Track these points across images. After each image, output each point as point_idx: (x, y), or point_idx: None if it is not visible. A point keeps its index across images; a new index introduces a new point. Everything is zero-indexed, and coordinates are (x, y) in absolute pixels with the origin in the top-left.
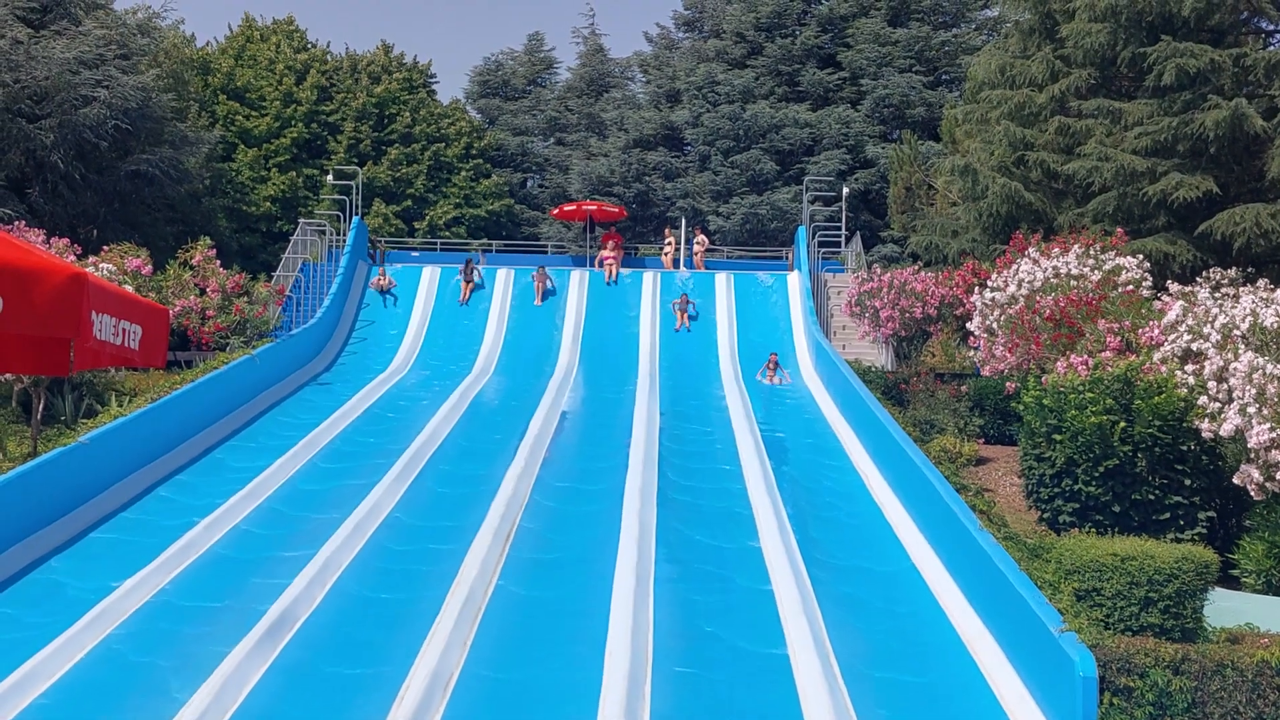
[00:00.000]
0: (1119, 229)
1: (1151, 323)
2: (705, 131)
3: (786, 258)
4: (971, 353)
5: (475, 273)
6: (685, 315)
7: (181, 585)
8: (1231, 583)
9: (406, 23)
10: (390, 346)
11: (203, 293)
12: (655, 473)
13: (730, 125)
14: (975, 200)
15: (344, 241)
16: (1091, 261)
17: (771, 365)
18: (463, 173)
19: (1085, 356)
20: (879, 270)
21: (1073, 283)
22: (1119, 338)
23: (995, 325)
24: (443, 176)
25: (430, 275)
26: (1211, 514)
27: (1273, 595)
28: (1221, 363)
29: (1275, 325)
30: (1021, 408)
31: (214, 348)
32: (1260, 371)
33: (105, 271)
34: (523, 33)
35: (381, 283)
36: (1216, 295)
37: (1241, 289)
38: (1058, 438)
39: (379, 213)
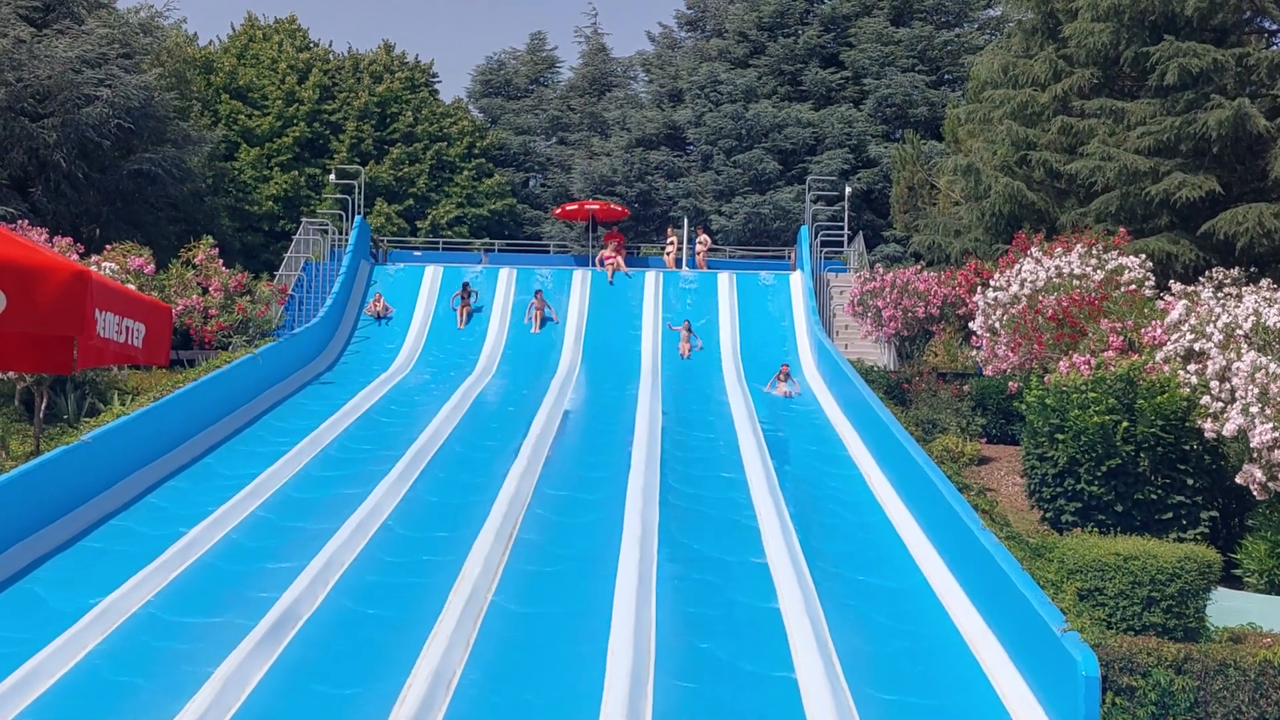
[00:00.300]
0: (1121, 228)
1: (1154, 322)
2: (708, 131)
3: (789, 257)
4: (974, 352)
5: (473, 296)
6: (688, 343)
7: (190, 581)
8: (1234, 582)
9: (408, 22)
10: (393, 345)
11: (205, 292)
12: (657, 473)
13: (733, 125)
14: (978, 200)
15: (346, 241)
16: (1094, 261)
17: (782, 376)
18: (465, 172)
19: (1088, 356)
20: (881, 270)
21: (1075, 282)
22: (1122, 337)
23: (998, 325)
24: (445, 176)
25: (433, 274)
26: (1214, 513)
27: (1275, 595)
28: (1224, 362)
29: (1278, 325)
30: (1024, 407)
31: (216, 347)
32: (1263, 371)
33: (108, 270)
34: (525, 32)
35: (376, 308)
36: (1219, 295)
37: (1244, 289)
38: (1060, 437)
39: (381, 212)
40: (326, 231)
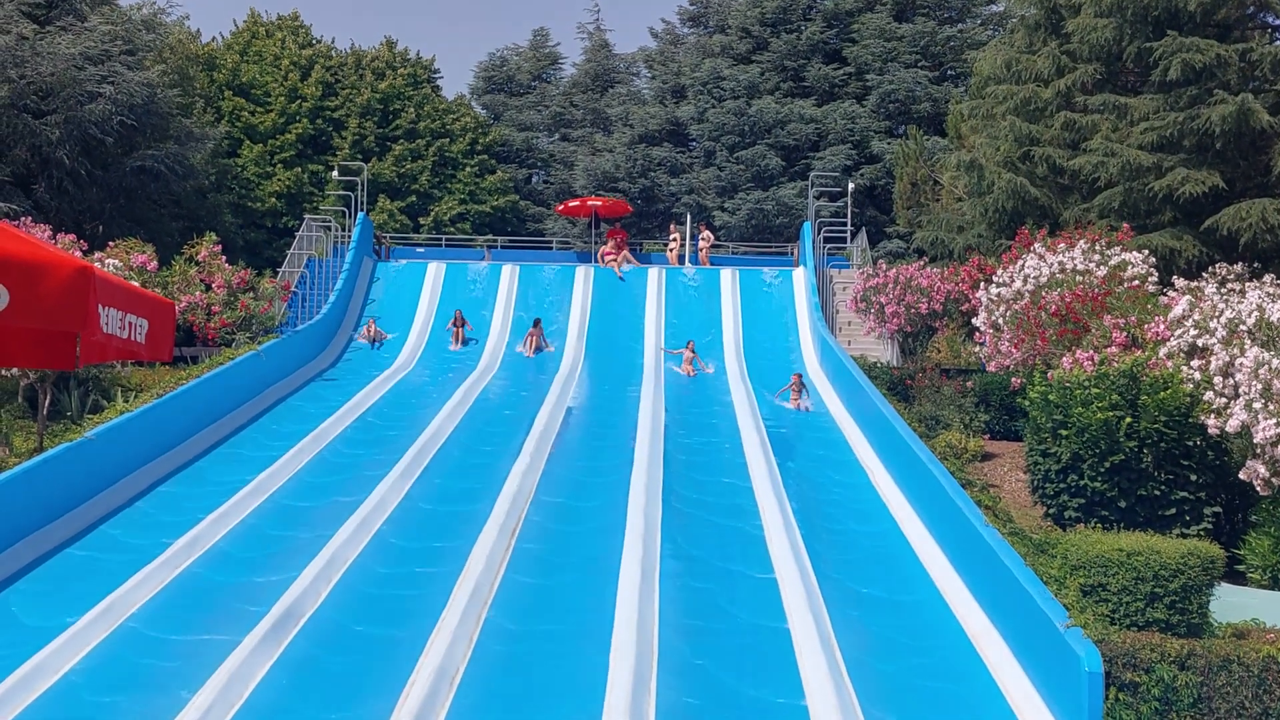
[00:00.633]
0: (1125, 224)
1: (1157, 318)
2: (710, 127)
3: (792, 254)
4: (977, 348)
5: (466, 326)
6: (691, 365)
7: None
8: (1237, 578)
9: (411, 18)
10: (396, 342)
11: (208, 288)
12: (660, 472)
13: (735, 121)
14: (981, 195)
15: (349, 237)
16: (1097, 257)
17: (795, 386)
18: (467, 169)
19: (1091, 352)
20: (884, 266)
21: (1078, 278)
22: (1125, 333)
23: (1001, 321)
24: (447, 172)
25: (435, 271)
26: (1217, 509)
27: (1279, 591)
28: (1227, 358)
29: None
30: (1027, 403)
31: (220, 343)
32: (1266, 367)
33: (111, 267)
34: (528, 28)
35: (370, 334)
36: (1223, 290)
37: (1248, 284)
38: (1063, 433)
39: (384, 208)
40: (329, 228)
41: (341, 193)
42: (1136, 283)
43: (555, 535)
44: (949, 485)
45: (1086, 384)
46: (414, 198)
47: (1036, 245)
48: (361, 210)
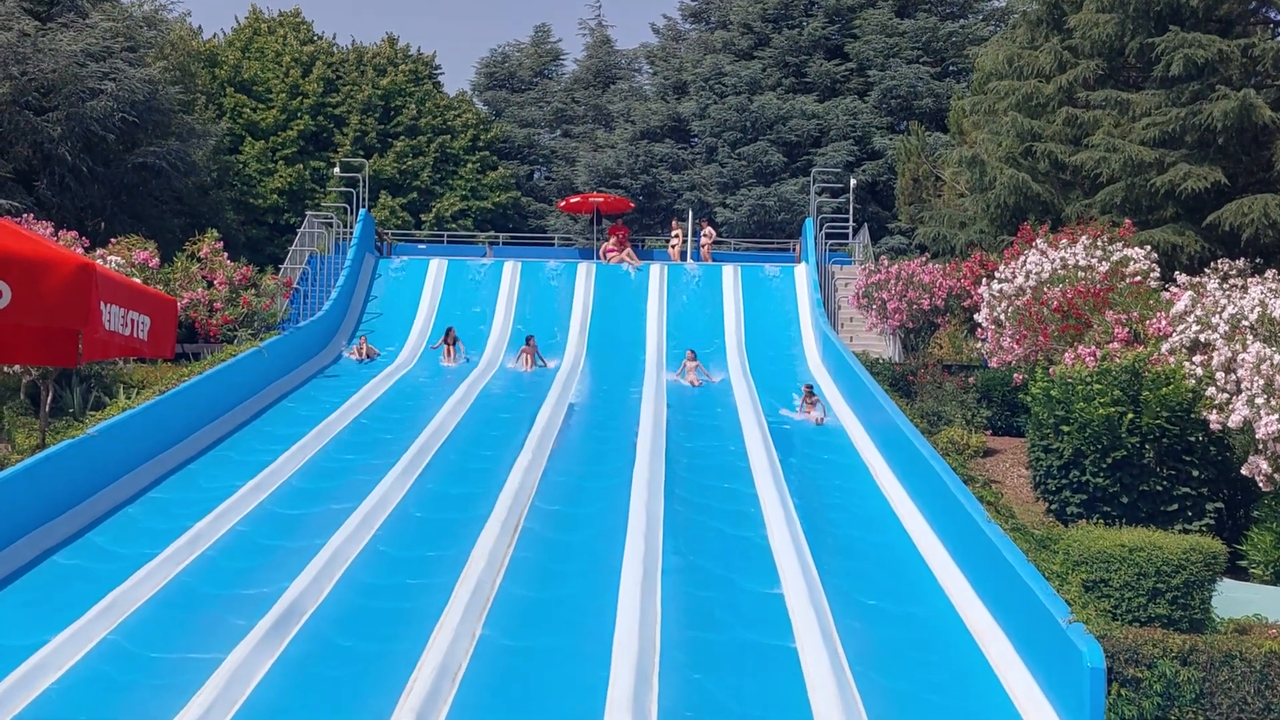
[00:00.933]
0: (1127, 220)
1: (1159, 314)
2: (712, 123)
3: (794, 250)
4: (979, 344)
5: (458, 345)
6: (696, 375)
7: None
8: (1239, 574)
9: (412, 15)
10: (398, 339)
11: (210, 285)
12: (663, 467)
13: (737, 117)
14: (983, 191)
15: (351, 234)
16: (1099, 252)
17: (808, 398)
18: (469, 165)
19: (1093, 348)
20: (886, 262)
21: (1080, 274)
22: (1127, 329)
23: (1003, 317)
24: (449, 169)
25: (437, 267)
26: (1220, 505)
27: None
28: (1230, 353)
29: None
30: (1029, 399)
31: (222, 340)
32: (1268, 362)
33: (113, 264)
34: (529, 24)
35: (362, 352)
36: (1225, 286)
37: (1250, 280)
38: (1065, 429)
39: (385, 205)
40: (331, 225)
41: (343, 189)
42: (1139, 278)
43: (555, 540)
44: (951, 482)
45: (1088, 380)
46: (415, 194)
47: (1038, 241)
48: (363, 207)
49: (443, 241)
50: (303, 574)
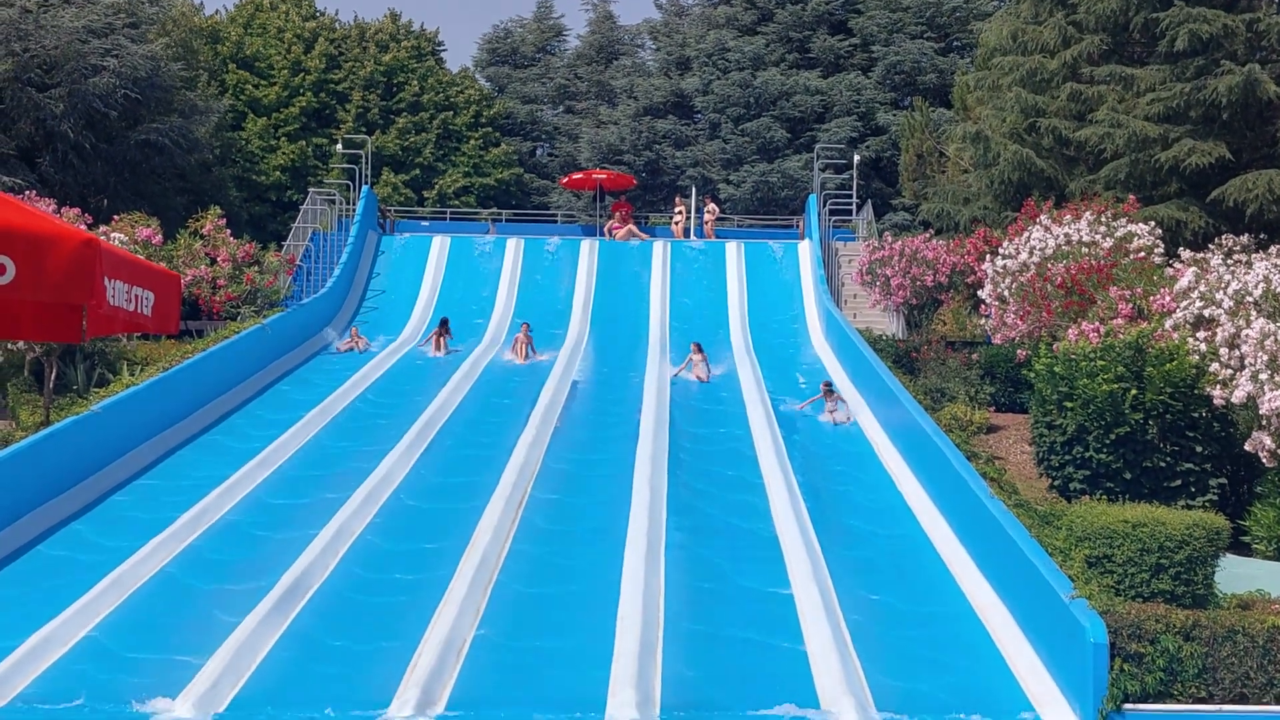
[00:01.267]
0: (1131, 196)
1: (1163, 289)
2: (715, 99)
3: (797, 226)
4: (983, 320)
5: (449, 337)
6: (701, 367)
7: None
8: (1243, 549)
9: None
10: (401, 315)
11: (213, 262)
12: (666, 443)
13: (740, 93)
14: (987, 167)
15: (353, 211)
16: (1103, 228)
17: (831, 403)
18: (471, 141)
19: (1097, 324)
20: (890, 238)
21: (1084, 250)
22: (1131, 305)
23: (1006, 293)
24: (451, 145)
25: (440, 244)
26: (1223, 481)
27: None
28: (1234, 329)
29: None
30: (1033, 375)
31: (225, 317)
32: (1272, 338)
33: (116, 241)
34: (531, 0)
35: (355, 344)
36: (1229, 262)
37: (1254, 255)
38: (1069, 405)
39: (388, 182)
40: (334, 202)
41: (345, 166)
42: (1142, 254)
43: (569, 480)
44: (954, 458)
45: (1092, 356)
46: (418, 171)
47: (1042, 217)
48: (366, 184)
49: (445, 218)
50: (319, 535)
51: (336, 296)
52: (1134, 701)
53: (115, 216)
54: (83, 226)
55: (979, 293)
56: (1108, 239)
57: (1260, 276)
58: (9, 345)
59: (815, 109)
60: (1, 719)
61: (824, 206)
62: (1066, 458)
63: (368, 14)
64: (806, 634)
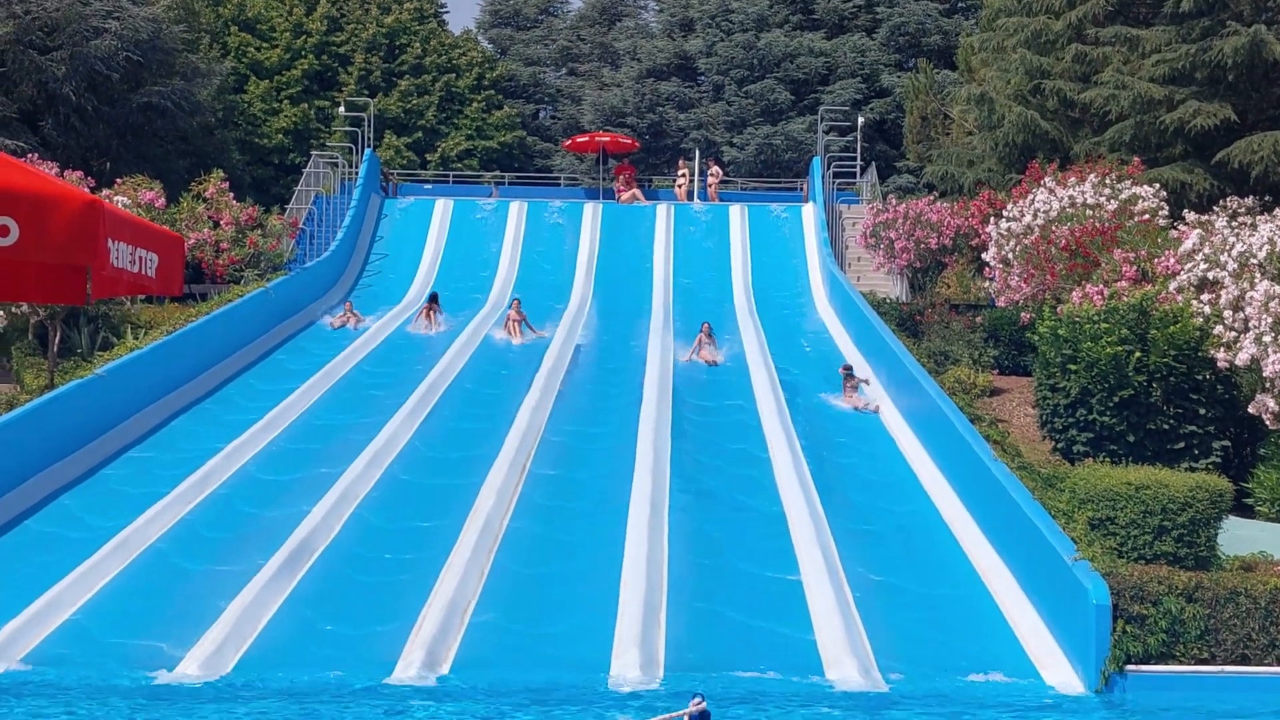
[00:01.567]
0: (1135, 158)
1: (1167, 252)
2: (719, 61)
3: (801, 189)
4: (986, 283)
5: (438, 313)
6: (709, 350)
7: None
8: (1245, 511)
9: None
10: (404, 278)
11: (216, 225)
12: (670, 405)
13: (744, 54)
14: (991, 130)
15: (356, 174)
16: (1108, 191)
17: (851, 385)
18: (474, 104)
19: (1101, 286)
20: (894, 201)
21: (1089, 212)
22: (1135, 267)
23: (1010, 256)
24: (454, 108)
25: (443, 208)
26: (1226, 443)
27: None
28: (1238, 292)
29: None
30: (1036, 338)
31: (228, 280)
32: (1276, 300)
33: (119, 204)
34: None
35: (348, 320)
36: (1233, 224)
37: (1259, 218)
38: (1072, 368)
39: (390, 145)
40: (336, 165)
41: (348, 129)
42: (1147, 216)
43: (571, 451)
44: (957, 420)
45: (1096, 318)
46: (420, 134)
47: (1047, 179)
48: (368, 147)
49: (448, 182)
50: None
51: (339, 260)
52: (1136, 663)
53: (118, 180)
54: (85, 190)
55: (983, 255)
56: (1112, 201)
57: (1265, 239)
58: (13, 308)
59: (819, 71)
60: (6, 683)
61: (828, 169)
62: (1070, 420)
63: None
64: (810, 597)
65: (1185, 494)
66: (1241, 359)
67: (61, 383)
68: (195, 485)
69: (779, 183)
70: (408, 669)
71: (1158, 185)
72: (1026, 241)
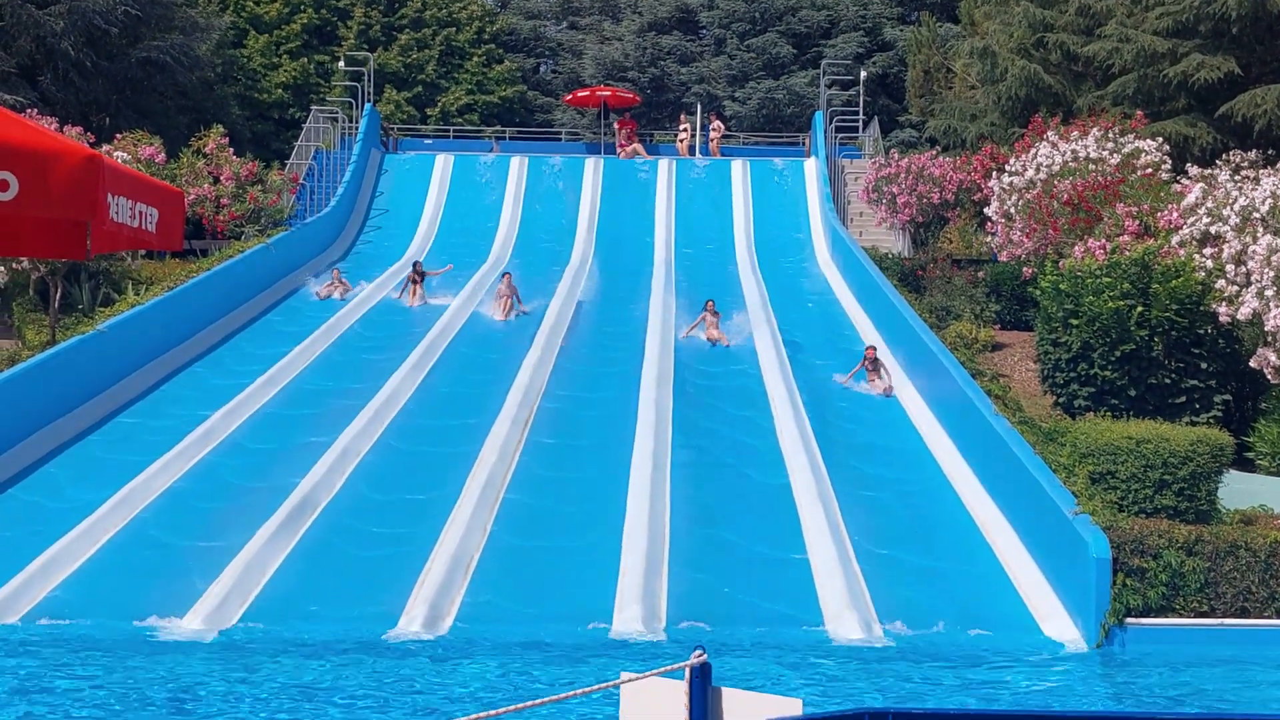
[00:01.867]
0: (1139, 111)
1: (1170, 206)
2: (721, 14)
3: (803, 144)
4: (989, 238)
5: (424, 278)
6: (716, 328)
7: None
8: (1246, 465)
9: None
10: (405, 234)
11: (216, 181)
12: (671, 362)
13: (746, 7)
14: (994, 83)
15: (356, 129)
16: (1111, 145)
17: (869, 364)
18: (475, 58)
19: (1103, 241)
20: (896, 156)
21: (1091, 166)
22: (1137, 221)
23: (1013, 210)
24: (454, 62)
25: (444, 163)
26: (1227, 397)
27: None
28: (1240, 246)
29: None
30: (1038, 293)
31: (229, 236)
32: (1279, 254)
33: (119, 159)
34: None
35: (334, 290)
36: (1236, 178)
37: (1262, 171)
38: (1074, 322)
39: (390, 100)
40: (336, 120)
41: (348, 84)
42: (1150, 170)
43: (574, 401)
44: (958, 374)
45: (1098, 273)
46: (420, 88)
47: (1049, 133)
48: (368, 101)
49: (449, 136)
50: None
51: (340, 215)
52: (1136, 616)
53: (118, 135)
54: (85, 145)
55: (985, 210)
56: (1115, 155)
57: (1267, 193)
58: (14, 264)
59: (821, 24)
60: (10, 636)
61: (830, 124)
62: (1071, 375)
63: None
64: (811, 550)
65: (1186, 448)
66: (1243, 313)
67: (63, 338)
68: (199, 440)
69: (781, 137)
70: (411, 623)
71: (1161, 139)
72: (1029, 196)
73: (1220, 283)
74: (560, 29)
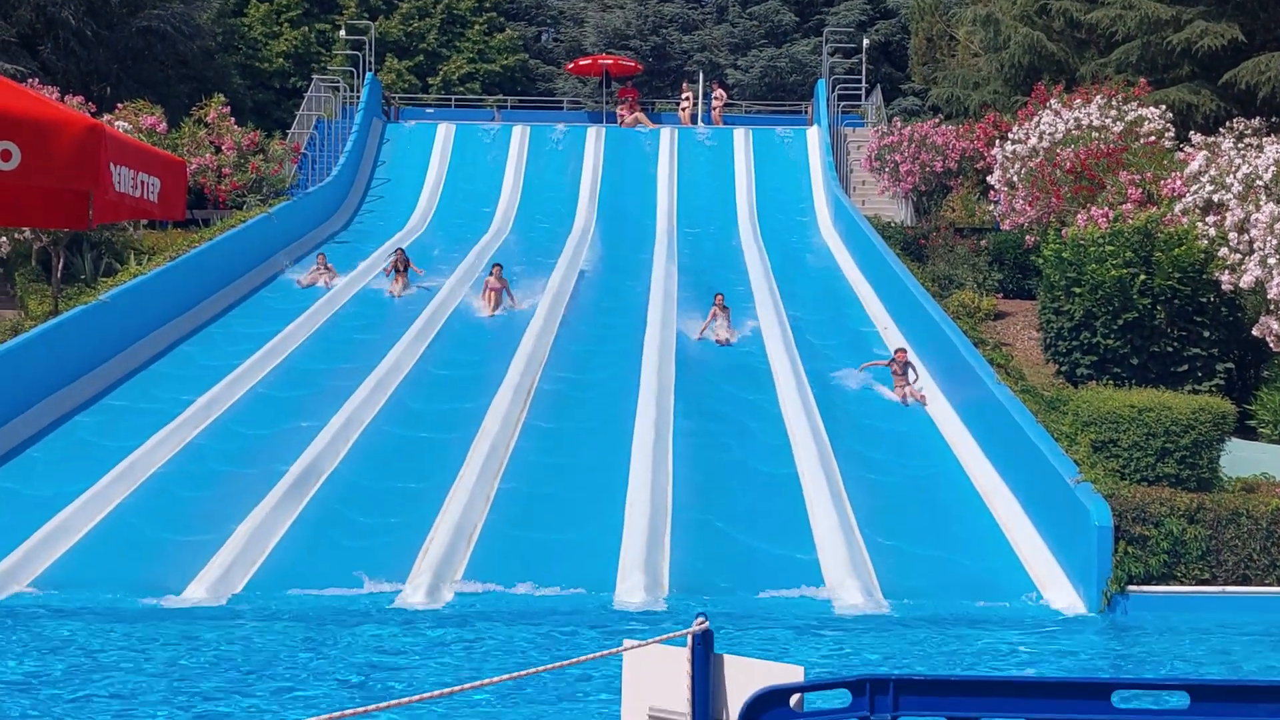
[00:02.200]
0: (1142, 79)
1: (1173, 174)
2: None
3: (806, 112)
4: (991, 207)
5: (409, 268)
6: (726, 328)
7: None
8: (1248, 433)
9: None
10: (407, 204)
11: (218, 150)
12: (674, 331)
13: None
14: (997, 51)
15: (358, 98)
16: (1114, 113)
17: (898, 369)
18: (476, 27)
19: (1106, 209)
20: (899, 124)
21: (1094, 134)
22: (1140, 189)
23: (1015, 178)
24: (456, 31)
25: (445, 132)
26: (1230, 365)
27: None
28: (1243, 214)
29: None
30: (1041, 261)
31: (231, 206)
32: None
33: (121, 129)
34: None
35: (318, 277)
36: (1240, 146)
37: (1265, 139)
38: (1077, 291)
39: (392, 68)
40: (338, 89)
41: (349, 53)
42: (1153, 138)
43: (574, 382)
44: (960, 342)
45: (1101, 241)
46: (422, 57)
47: (1052, 101)
48: (369, 70)
49: (450, 106)
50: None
51: (342, 185)
52: (1138, 583)
53: (119, 104)
54: (86, 114)
55: (988, 178)
56: (1118, 123)
57: (1271, 160)
58: (16, 234)
59: None
60: (13, 607)
61: (832, 92)
62: (1074, 343)
63: None
64: (812, 519)
65: (1188, 416)
66: (1246, 281)
67: (66, 308)
68: (202, 410)
69: (783, 106)
70: (415, 592)
71: (1164, 107)
72: (1032, 164)
73: (1223, 251)
74: None
